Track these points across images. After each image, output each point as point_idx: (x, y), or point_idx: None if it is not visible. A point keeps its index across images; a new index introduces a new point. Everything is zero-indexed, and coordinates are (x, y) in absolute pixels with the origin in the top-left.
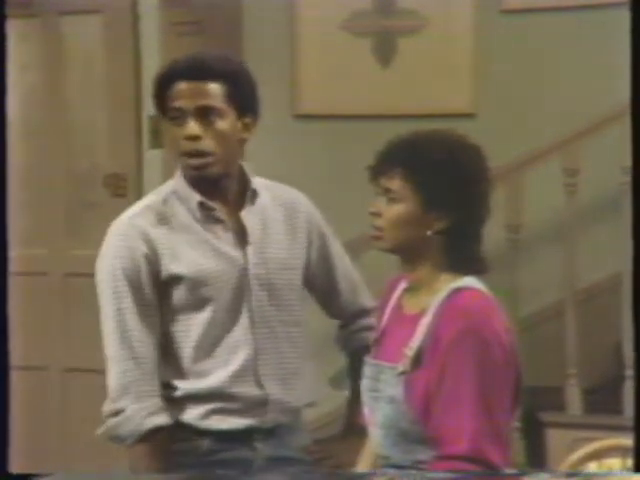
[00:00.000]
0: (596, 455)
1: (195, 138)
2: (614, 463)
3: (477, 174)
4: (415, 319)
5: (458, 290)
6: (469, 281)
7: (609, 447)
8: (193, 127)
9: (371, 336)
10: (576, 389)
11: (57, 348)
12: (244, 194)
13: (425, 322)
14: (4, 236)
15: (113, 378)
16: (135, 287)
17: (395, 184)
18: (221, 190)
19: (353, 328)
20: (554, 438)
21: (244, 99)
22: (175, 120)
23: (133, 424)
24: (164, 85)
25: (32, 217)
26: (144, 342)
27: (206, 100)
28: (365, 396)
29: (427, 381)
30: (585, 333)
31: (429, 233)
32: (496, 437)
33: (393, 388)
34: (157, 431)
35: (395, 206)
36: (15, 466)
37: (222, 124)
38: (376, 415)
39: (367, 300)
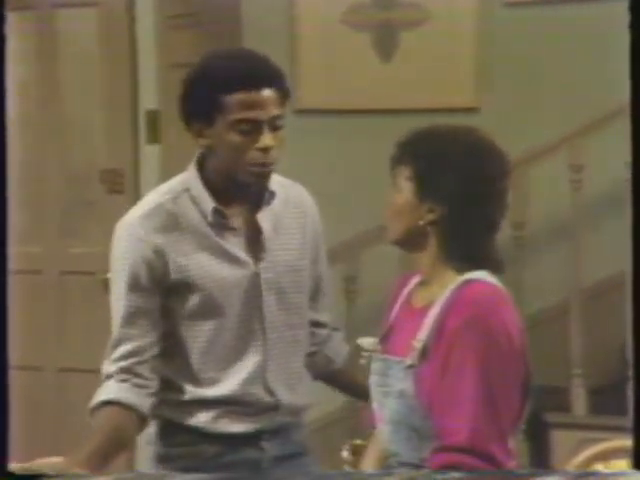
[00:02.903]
0: (602, 457)
1: (269, 149)
2: (620, 465)
3: (467, 165)
4: (423, 312)
5: (468, 282)
6: (481, 274)
7: (615, 448)
8: (269, 138)
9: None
10: (581, 389)
11: (52, 348)
12: (262, 194)
13: (433, 314)
14: (4, 234)
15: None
16: (137, 291)
17: (401, 175)
18: (241, 192)
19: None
20: (559, 439)
21: (287, 100)
22: (244, 130)
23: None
24: (219, 94)
25: (27, 214)
26: (138, 344)
27: (277, 109)
28: (374, 392)
29: (432, 373)
30: (591, 332)
31: (421, 223)
32: (498, 430)
33: (402, 382)
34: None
35: (399, 196)
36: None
37: (282, 132)
38: (385, 411)
39: (324, 315)
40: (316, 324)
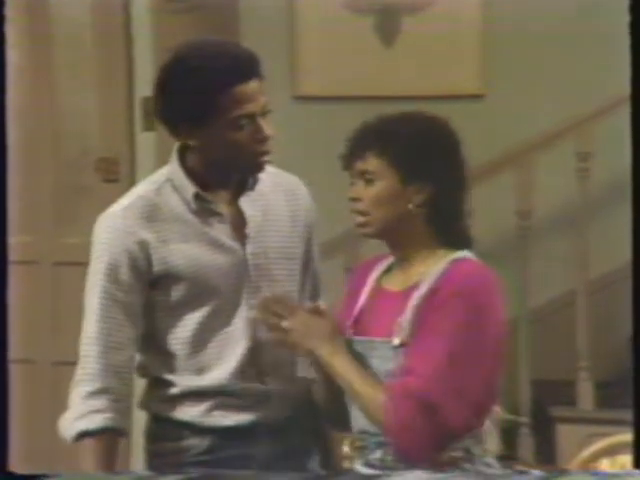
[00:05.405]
0: (609, 451)
1: (269, 138)
2: (627, 460)
3: (448, 144)
4: (407, 293)
5: (458, 260)
6: (466, 253)
7: (621, 443)
8: (267, 128)
9: None
10: (588, 383)
11: (46, 340)
12: (245, 180)
13: (418, 294)
14: (4, 224)
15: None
16: (115, 283)
17: (371, 164)
18: (222, 177)
19: None
20: (565, 434)
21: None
22: (241, 125)
23: (65, 427)
24: (211, 93)
25: (19, 203)
26: (111, 341)
27: (264, 96)
28: None
29: None
30: (597, 325)
31: (410, 206)
32: (457, 393)
33: (390, 362)
34: (84, 435)
35: (374, 186)
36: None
37: (269, 115)
38: None
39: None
40: None
